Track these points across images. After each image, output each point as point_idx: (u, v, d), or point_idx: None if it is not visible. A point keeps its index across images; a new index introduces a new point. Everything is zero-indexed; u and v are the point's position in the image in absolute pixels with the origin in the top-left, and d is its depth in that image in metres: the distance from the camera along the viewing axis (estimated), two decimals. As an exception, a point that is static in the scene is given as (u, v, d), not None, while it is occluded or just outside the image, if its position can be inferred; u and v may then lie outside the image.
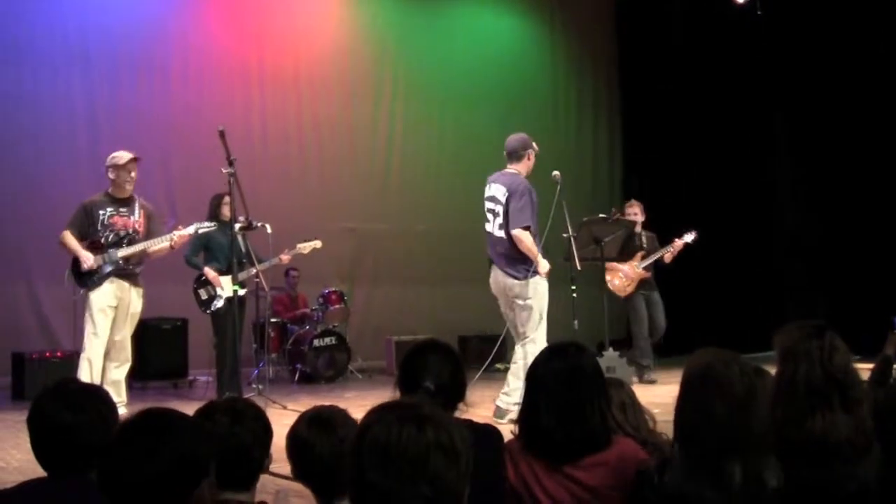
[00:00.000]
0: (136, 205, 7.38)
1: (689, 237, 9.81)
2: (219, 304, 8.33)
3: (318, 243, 9.12)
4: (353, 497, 1.81)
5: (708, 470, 2.36)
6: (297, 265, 10.57)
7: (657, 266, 9.98)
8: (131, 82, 10.76)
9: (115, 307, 7.16)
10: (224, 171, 6.72)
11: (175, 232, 7.38)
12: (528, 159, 7.18)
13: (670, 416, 2.56)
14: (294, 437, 2.67)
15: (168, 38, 11.06)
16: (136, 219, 7.34)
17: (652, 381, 9.44)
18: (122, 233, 7.25)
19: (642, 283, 9.83)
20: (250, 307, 8.90)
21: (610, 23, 14.32)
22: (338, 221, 11.71)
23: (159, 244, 7.36)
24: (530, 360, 6.78)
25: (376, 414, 1.81)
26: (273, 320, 10.30)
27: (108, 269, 7.12)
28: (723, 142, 12.79)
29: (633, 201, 10.13)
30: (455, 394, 2.88)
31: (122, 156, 7.27)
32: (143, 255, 7.37)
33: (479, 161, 12.13)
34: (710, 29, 12.80)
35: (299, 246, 8.98)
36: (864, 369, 4.10)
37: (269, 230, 7.96)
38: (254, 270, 8.25)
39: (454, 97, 12.85)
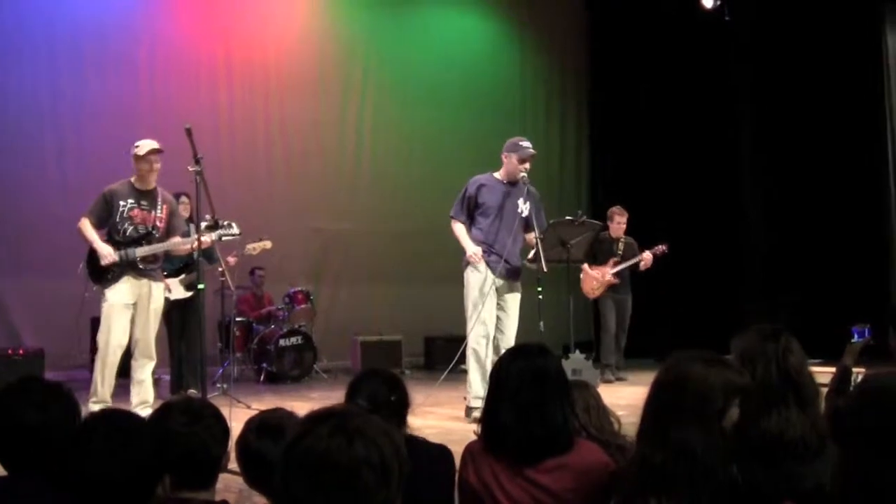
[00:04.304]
0: (159, 199, 7.07)
1: (658, 249, 10.09)
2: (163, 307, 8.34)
3: (267, 244, 8.82)
4: None
5: (670, 468, 2.38)
6: (263, 264, 10.54)
7: (633, 271, 10.26)
8: (98, 77, 10.67)
9: (135, 304, 6.89)
10: (190, 169, 6.67)
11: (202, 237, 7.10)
12: (503, 163, 7.27)
13: (636, 418, 2.58)
14: (243, 446, 2.66)
15: (135, 33, 10.98)
16: (159, 214, 7.02)
17: (610, 381, 9.69)
18: (142, 228, 6.93)
19: (611, 288, 10.16)
20: (216, 306, 8.86)
21: (580, 24, 14.40)
22: (305, 221, 11.71)
23: (180, 246, 7.16)
24: (469, 353, 6.90)
25: (308, 424, 1.76)
26: (238, 319, 10.26)
27: (125, 267, 6.83)
28: (690, 146, 12.88)
29: (615, 209, 10.35)
30: (394, 416, 2.90)
31: (143, 145, 6.95)
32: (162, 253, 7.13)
33: (447, 161, 12.20)
34: (679, 33, 12.89)
35: (248, 247, 8.70)
36: (825, 373, 4.17)
37: (235, 229, 7.92)
38: (220, 268, 8.20)
39: (423, 96, 12.87)
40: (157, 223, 7.03)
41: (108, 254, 6.76)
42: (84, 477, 2.08)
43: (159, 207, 7.05)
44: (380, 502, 1.70)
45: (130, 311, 6.88)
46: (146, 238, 6.96)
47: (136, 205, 6.94)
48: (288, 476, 1.71)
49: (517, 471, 2.72)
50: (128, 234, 6.90)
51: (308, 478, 1.68)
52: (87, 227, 6.86)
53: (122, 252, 6.83)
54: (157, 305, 7.07)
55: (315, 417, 1.77)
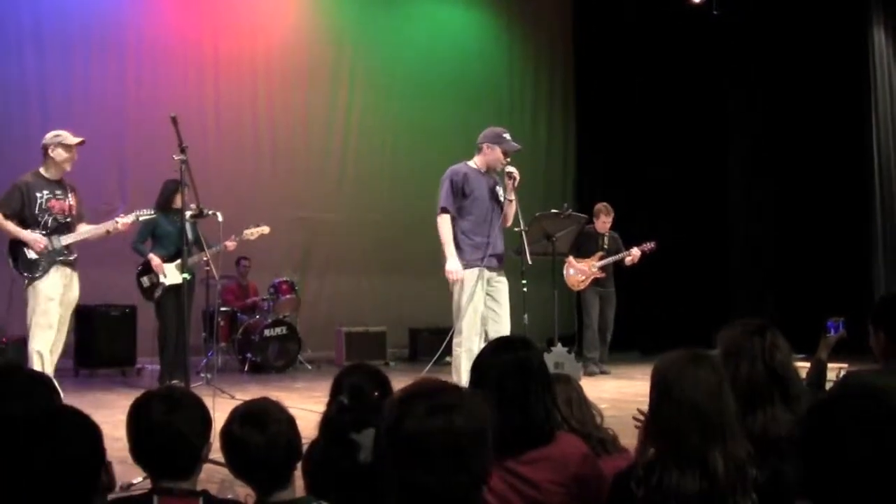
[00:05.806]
0: (67, 186, 7.07)
1: (646, 247, 10.13)
2: (158, 292, 8.28)
3: (265, 229, 8.78)
4: (393, 491, 1.83)
5: (692, 463, 2.37)
6: (248, 254, 10.50)
7: (617, 265, 10.28)
8: (85, 65, 10.63)
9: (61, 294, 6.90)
10: (176, 157, 6.65)
11: (118, 219, 7.13)
12: (483, 153, 7.18)
13: (618, 412, 2.59)
14: (227, 435, 2.66)
15: (123, 22, 10.94)
16: (70, 202, 7.03)
17: (592, 374, 9.83)
18: (61, 217, 6.94)
19: (596, 281, 10.16)
20: (200, 296, 8.82)
21: (567, 18, 14.39)
22: (290, 210, 11.67)
23: (101, 231, 7.13)
24: (458, 352, 6.80)
25: (404, 405, 1.83)
26: (223, 309, 10.22)
27: (54, 257, 6.82)
28: (677, 140, 12.91)
29: (601, 207, 10.30)
30: (377, 411, 2.91)
31: (69, 136, 6.90)
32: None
33: (434, 153, 12.15)
34: (666, 27, 12.91)
35: (245, 232, 8.66)
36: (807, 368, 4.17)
37: (220, 218, 7.88)
38: (205, 257, 8.16)
39: (411, 89, 12.85)
40: (72, 210, 7.05)
41: (39, 239, 6.76)
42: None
43: (70, 195, 7.06)
44: (485, 464, 1.84)
45: (58, 302, 6.88)
46: (68, 227, 6.98)
47: (51, 195, 6.93)
48: (397, 459, 1.79)
49: (499, 462, 2.71)
50: (49, 224, 6.90)
51: (418, 459, 1.76)
52: (2, 219, 6.82)
53: (55, 240, 6.84)
54: (75, 295, 7.08)
55: (410, 396, 1.87)
